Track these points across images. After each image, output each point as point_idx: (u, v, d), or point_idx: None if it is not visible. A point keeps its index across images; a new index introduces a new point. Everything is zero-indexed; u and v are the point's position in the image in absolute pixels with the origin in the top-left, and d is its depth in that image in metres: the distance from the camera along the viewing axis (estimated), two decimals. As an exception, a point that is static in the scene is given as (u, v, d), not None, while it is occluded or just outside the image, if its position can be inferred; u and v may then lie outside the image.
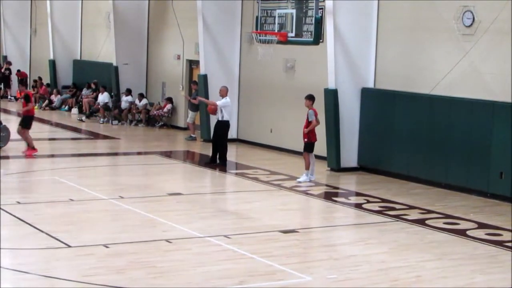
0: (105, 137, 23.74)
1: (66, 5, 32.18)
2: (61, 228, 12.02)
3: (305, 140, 16.88)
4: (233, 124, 23.00)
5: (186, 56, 25.44)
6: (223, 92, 18.92)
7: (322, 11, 18.76)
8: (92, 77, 29.94)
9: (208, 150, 21.04)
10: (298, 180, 16.77)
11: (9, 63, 34.53)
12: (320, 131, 17.91)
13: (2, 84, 34.68)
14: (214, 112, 18.88)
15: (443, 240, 12.20)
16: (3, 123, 20.30)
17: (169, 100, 26.03)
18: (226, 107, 18.69)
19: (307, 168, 16.88)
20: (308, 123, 16.81)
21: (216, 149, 18.85)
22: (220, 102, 18.64)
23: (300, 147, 17.82)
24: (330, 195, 15.88)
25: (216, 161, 18.78)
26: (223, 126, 18.71)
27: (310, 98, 17.05)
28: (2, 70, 34.04)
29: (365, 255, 11.12)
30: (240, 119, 23.17)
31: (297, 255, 11.10)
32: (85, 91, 29.79)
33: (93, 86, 29.51)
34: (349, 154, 18.55)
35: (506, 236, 12.57)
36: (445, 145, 16.49)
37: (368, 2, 18.32)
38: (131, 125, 26.52)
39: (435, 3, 17.05)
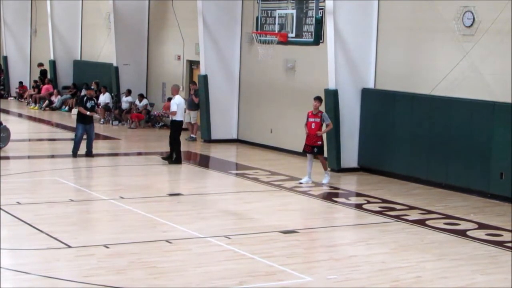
0: (105, 137, 23.72)
1: (66, 5, 32.17)
2: (61, 229, 12.02)
3: (319, 143, 16.66)
4: (233, 125, 23.05)
5: (186, 56, 25.44)
6: (174, 91, 19.08)
7: (322, 12, 18.75)
8: (93, 77, 29.88)
9: (208, 151, 21.18)
10: (323, 182, 16.71)
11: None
12: (320, 132, 17.92)
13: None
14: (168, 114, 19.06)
15: (444, 241, 12.20)
16: (4, 123, 20.31)
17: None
18: (179, 107, 18.74)
19: (326, 168, 16.95)
20: (321, 125, 16.64)
21: (172, 147, 19.03)
22: (173, 108, 18.66)
23: (300, 147, 17.74)
24: (330, 196, 15.88)
25: (172, 158, 18.86)
26: (175, 125, 18.82)
27: (321, 100, 16.87)
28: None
29: (365, 255, 11.13)
30: (240, 119, 23.16)
31: (297, 256, 11.09)
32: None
33: (94, 86, 29.44)
34: (350, 155, 18.55)
35: (506, 236, 12.57)
36: (445, 145, 16.48)
37: (368, 2, 18.33)
38: (131, 125, 26.49)
39: (435, 3, 17.04)
